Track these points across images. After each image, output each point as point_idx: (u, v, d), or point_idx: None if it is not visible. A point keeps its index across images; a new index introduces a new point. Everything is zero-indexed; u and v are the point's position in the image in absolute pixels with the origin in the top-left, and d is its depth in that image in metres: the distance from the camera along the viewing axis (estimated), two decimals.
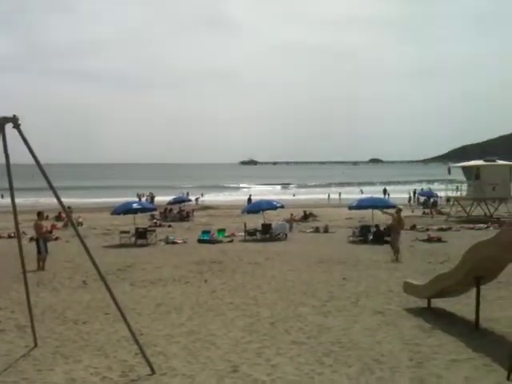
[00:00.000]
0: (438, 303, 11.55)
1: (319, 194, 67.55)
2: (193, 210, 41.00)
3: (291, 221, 31.51)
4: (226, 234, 26.60)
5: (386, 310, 11.39)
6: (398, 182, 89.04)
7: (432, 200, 46.14)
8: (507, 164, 34.39)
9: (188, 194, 56.63)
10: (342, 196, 59.92)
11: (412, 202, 51.93)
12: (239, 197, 61.04)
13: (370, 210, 25.66)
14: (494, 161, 34.61)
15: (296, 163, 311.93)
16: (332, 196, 61.80)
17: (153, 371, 7.87)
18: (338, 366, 8.12)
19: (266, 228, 26.38)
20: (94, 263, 8.00)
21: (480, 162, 35.24)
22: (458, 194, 37.85)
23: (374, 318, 10.85)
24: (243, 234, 26.43)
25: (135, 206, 27.42)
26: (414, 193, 54.58)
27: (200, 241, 24.85)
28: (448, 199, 39.54)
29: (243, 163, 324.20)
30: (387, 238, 23.72)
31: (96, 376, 7.86)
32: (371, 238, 23.85)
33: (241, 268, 17.14)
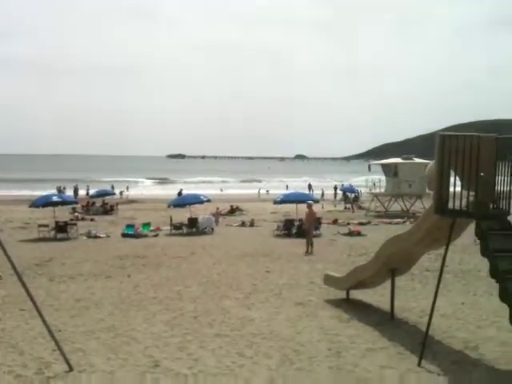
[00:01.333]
0: (356, 294, 12.01)
1: (246, 189, 67.99)
2: (117, 204, 40.04)
3: (218, 215, 31.55)
4: (152, 228, 26.21)
5: (307, 302, 11.71)
6: (323, 178, 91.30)
7: (353, 195, 47.65)
8: (423, 162, 36.09)
9: (113, 187, 55.22)
10: (269, 191, 60.59)
11: (334, 197, 53.57)
12: (166, 191, 60.30)
13: (294, 205, 26.17)
14: (411, 159, 36.25)
15: (224, 158, 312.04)
16: (257, 191, 62.39)
17: (70, 368, 7.67)
18: (258, 357, 8.26)
19: (193, 222, 26.27)
20: (7, 257, 7.66)
21: (398, 160, 36.82)
22: (378, 190, 39.33)
23: (296, 309, 11.12)
24: (169, 228, 26.17)
25: (55, 198, 26.42)
26: (335, 188, 56.25)
27: (124, 235, 24.34)
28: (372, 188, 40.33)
29: (171, 157, 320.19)
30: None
31: (9, 374, 7.55)
32: (295, 231, 24.31)
33: (165, 262, 16.99)
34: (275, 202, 28.00)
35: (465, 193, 8.04)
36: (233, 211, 36.85)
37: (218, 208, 33.58)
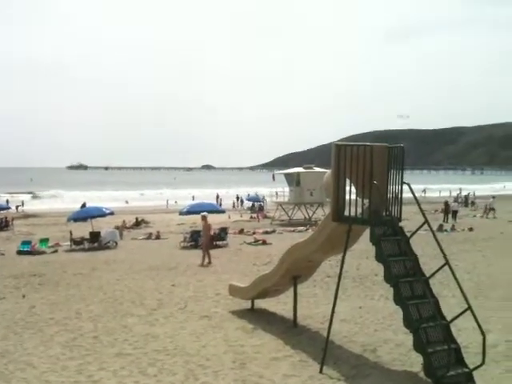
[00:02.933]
0: (260, 304, 12.11)
1: (152, 200, 66.71)
2: (12, 219, 37.71)
3: (122, 228, 30.65)
4: (50, 244, 24.92)
5: (213, 314, 11.64)
6: (229, 187, 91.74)
7: (258, 204, 48.34)
8: (323, 171, 37.39)
9: (8, 201, 52.01)
10: (177, 202, 59.85)
11: (236, 206, 54.39)
12: (66, 204, 57.67)
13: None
14: (312, 168, 37.41)
15: (129, 168, 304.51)
16: (164, 202, 61.43)
17: None
18: (162, 375, 8.06)
19: (95, 236, 25.29)
20: None
21: (300, 170, 37.87)
22: (282, 199, 40.19)
23: (201, 322, 11.00)
24: (69, 243, 25.02)
25: None
26: (237, 198, 57.00)
27: (20, 252, 22.93)
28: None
29: (71, 168, 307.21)
30: (218, 243, 24.36)
31: None
32: (201, 242, 24.14)
33: (65, 280, 16.19)
34: (181, 213, 27.70)
35: (360, 200, 8.39)
36: (138, 224, 35.99)
37: (123, 221, 32.65)
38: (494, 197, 45.07)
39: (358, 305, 12.22)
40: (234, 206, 52.98)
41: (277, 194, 43.72)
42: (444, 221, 34.01)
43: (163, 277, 16.41)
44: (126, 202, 64.87)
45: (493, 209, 39.17)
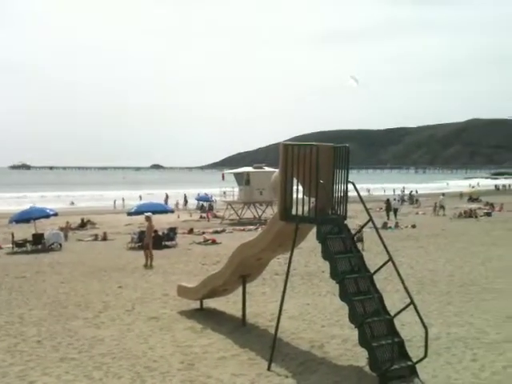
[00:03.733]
0: (209, 303, 12.07)
1: (100, 201, 65.28)
2: None
3: (67, 229, 29.84)
4: None
5: (161, 315, 11.50)
6: (179, 187, 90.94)
7: (208, 204, 48.16)
8: (273, 170, 37.68)
9: None
10: (124, 201, 58.79)
11: (183, 205, 54.22)
12: (9, 206, 55.64)
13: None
14: (262, 167, 37.62)
15: (75, 168, 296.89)
16: (112, 202, 60.25)
17: None
18: (108, 379, 7.91)
19: (38, 238, 24.50)
20: None
21: (250, 169, 38.00)
22: (231, 198, 40.24)
23: (149, 323, 10.86)
24: (11, 245, 24.13)
25: None
26: (185, 197, 56.82)
27: None
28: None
29: (13, 168, 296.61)
30: (167, 243, 24.10)
31: None
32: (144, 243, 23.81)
33: (6, 284, 15.60)
34: (129, 214, 27.23)
35: (306, 199, 8.50)
36: (84, 225, 35.10)
37: (67, 222, 31.80)
38: (443, 194, 46.62)
39: (306, 302, 12.38)
40: (176, 206, 52.66)
41: (224, 193, 43.66)
42: (386, 218, 34.95)
43: (110, 278, 16.09)
44: (72, 202, 63.21)
45: (443, 206, 40.52)
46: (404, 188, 79.02)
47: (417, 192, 65.56)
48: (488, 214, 37.79)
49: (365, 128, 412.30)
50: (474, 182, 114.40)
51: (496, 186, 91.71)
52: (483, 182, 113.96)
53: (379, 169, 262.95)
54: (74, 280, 15.98)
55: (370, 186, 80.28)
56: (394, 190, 76.93)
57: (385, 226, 29.47)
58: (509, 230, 27.15)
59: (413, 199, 57.69)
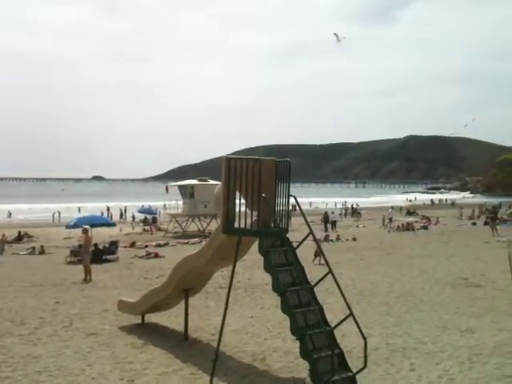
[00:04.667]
0: (151, 318, 11.87)
1: (38, 213, 63.04)
2: None
3: (3, 242, 28.69)
4: None
5: (101, 331, 11.20)
6: (121, 200, 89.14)
7: (151, 217, 47.52)
8: (217, 183, 37.68)
9: None
10: (63, 214, 57.01)
11: (124, 218, 53.38)
12: None
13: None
14: (206, 180, 37.55)
15: (11, 179, 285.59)
16: (50, 215, 58.32)
17: None
18: None
19: None
20: None
21: (194, 182, 37.85)
22: (175, 211, 39.87)
23: (87, 340, 10.55)
24: None
25: None
26: (125, 210, 55.97)
27: None
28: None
29: None
30: (108, 257, 23.56)
31: None
32: (90, 257, 23.20)
33: None
34: (67, 227, 26.53)
35: (249, 212, 8.55)
36: (21, 238, 33.88)
37: (3, 235, 30.55)
38: (392, 207, 48.08)
39: (249, 314, 12.39)
40: (121, 218, 51.72)
41: (165, 206, 43.23)
42: (324, 230, 35.81)
43: (47, 294, 15.55)
44: (9, 214, 60.68)
45: (391, 219, 41.90)
46: (345, 202, 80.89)
47: (357, 205, 67.18)
48: (424, 228, 39.22)
49: (307, 143, 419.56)
50: (411, 196, 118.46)
51: (432, 200, 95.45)
52: (420, 197, 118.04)
53: (321, 183, 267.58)
54: (9, 295, 15.33)
55: (313, 199, 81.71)
56: (335, 204, 78.63)
57: (327, 238, 30.03)
58: (444, 243, 28.24)
59: (355, 212, 59.24)
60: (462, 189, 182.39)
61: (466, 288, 15.44)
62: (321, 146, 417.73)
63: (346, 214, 58.52)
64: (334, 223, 39.13)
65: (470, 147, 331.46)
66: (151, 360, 9.23)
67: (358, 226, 42.87)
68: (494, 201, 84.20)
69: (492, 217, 38.24)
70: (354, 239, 30.55)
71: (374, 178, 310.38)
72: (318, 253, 19.27)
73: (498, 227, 33.91)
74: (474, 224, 42.54)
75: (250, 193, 8.38)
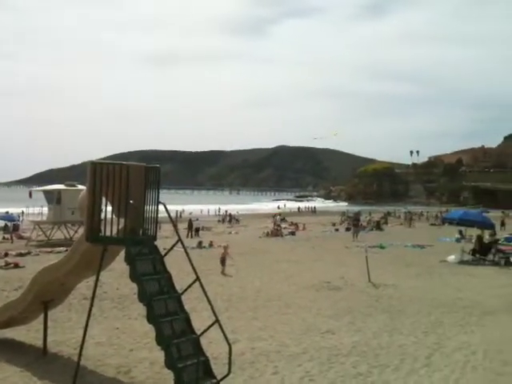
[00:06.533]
0: (7, 333, 10.99)
1: None
2: None
3: None
4: None
5: None
6: None
7: (12, 224, 44.22)
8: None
9: None
10: None
11: None
12: None
13: None
14: (75, 185, 35.77)
15: None
16: None
17: None
18: None
19: None
20: None
21: (61, 187, 35.89)
22: (40, 217, 37.50)
23: None
24: None
25: None
26: None
27: None
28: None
29: None
30: None
31: None
32: None
33: None
34: None
35: (116, 219, 8.28)
36: None
37: None
38: (280, 214, 49.84)
39: (115, 326, 11.97)
40: None
41: (23, 212, 40.60)
42: (187, 237, 36.17)
43: None
44: None
45: (279, 226, 43.95)
46: (220, 208, 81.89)
47: (237, 212, 68.68)
48: (292, 233, 40.90)
49: (183, 150, 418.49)
50: (281, 203, 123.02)
51: (299, 207, 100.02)
52: (289, 204, 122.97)
53: (197, 190, 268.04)
54: None
55: (188, 206, 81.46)
56: (208, 211, 79.29)
57: (200, 245, 30.10)
58: (310, 248, 29.65)
59: (231, 219, 60.59)
60: (327, 197, 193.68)
61: (328, 291, 16.33)
62: (196, 152, 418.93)
63: (223, 221, 59.77)
64: (197, 230, 40.00)
65: (334, 158, 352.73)
66: (4, 379, 8.53)
67: (230, 233, 43.49)
68: (355, 208, 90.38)
69: (355, 223, 40.94)
70: (227, 246, 30.90)
71: (246, 186, 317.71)
72: (225, 261, 19.52)
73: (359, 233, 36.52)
74: (337, 230, 45.27)
75: (117, 199, 8.14)
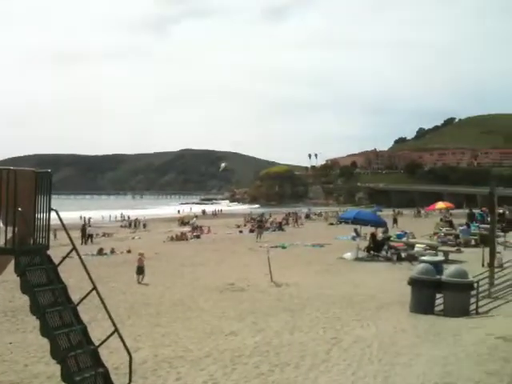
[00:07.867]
0: None
1: None
2: None
3: None
4: None
5: None
6: None
7: None
8: None
9: None
10: None
11: None
12: None
13: None
14: None
15: None
16: None
17: None
18: None
19: None
20: None
21: None
22: None
23: None
24: None
25: None
26: None
27: None
28: None
29: None
30: None
31: None
32: None
33: None
34: None
35: (4, 228, 7.79)
36: None
37: None
38: (196, 217, 49.10)
39: (8, 340, 11.31)
40: None
41: None
42: (81, 244, 35.23)
43: None
44: None
45: (196, 227, 44.02)
46: (122, 213, 79.86)
47: (144, 217, 67.58)
48: (197, 237, 40.78)
49: (82, 153, 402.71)
50: (187, 207, 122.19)
51: (203, 210, 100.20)
52: (195, 208, 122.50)
53: (97, 194, 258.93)
54: None
55: (88, 212, 78.43)
56: (110, 216, 77.15)
57: (100, 252, 29.19)
58: (214, 251, 29.72)
59: (135, 224, 59.66)
60: (232, 199, 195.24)
61: (232, 292, 16.47)
62: (97, 156, 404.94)
63: (130, 226, 58.75)
64: (90, 236, 39.02)
65: (238, 161, 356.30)
66: None
67: (133, 238, 42.51)
68: (259, 210, 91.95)
69: (259, 225, 41.66)
70: (129, 251, 30.16)
71: (150, 190, 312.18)
72: (142, 269, 18.89)
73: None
74: (241, 232, 45.80)
75: (5, 207, 7.66)
